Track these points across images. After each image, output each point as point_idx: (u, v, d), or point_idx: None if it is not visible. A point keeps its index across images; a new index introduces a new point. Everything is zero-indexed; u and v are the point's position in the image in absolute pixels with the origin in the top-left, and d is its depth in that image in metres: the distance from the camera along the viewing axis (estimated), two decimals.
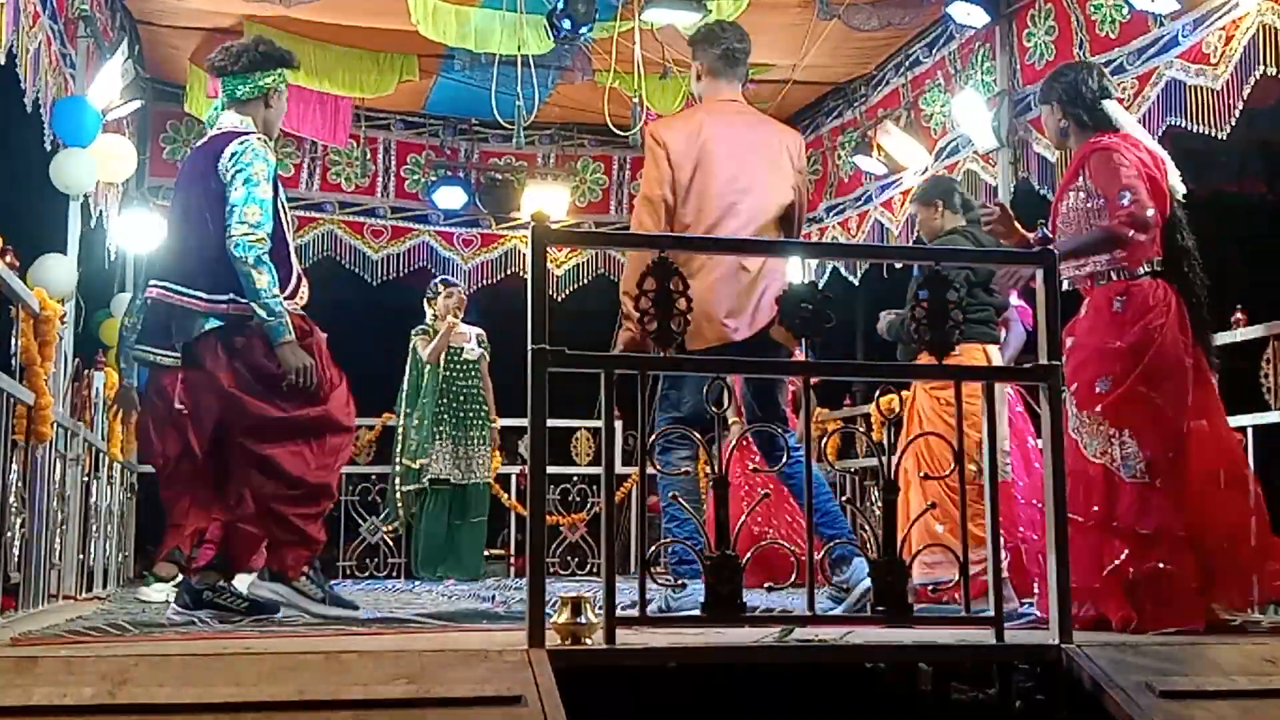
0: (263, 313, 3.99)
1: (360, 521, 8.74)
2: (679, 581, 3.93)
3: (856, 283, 8.78)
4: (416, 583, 7.69)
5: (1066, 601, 3.29)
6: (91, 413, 6.20)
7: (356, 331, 10.33)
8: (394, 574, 8.59)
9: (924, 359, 3.94)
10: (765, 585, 4.82)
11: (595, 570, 8.76)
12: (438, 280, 8.41)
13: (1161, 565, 3.79)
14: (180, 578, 5.62)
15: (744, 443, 5.37)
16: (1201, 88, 5.67)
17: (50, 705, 2.57)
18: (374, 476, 8.79)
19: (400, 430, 8.20)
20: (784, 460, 3.95)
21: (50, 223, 6.22)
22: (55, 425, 5.00)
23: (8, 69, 5.33)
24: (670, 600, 4.01)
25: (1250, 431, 5.05)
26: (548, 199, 9.38)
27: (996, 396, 3.56)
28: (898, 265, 6.28)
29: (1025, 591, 4.71)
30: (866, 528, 4.84)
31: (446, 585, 7.21)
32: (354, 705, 2.66)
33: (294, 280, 4.19)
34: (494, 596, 5.65)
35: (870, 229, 8.46)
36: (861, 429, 7.42)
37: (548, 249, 3.23)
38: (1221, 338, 5.38)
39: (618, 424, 5.85)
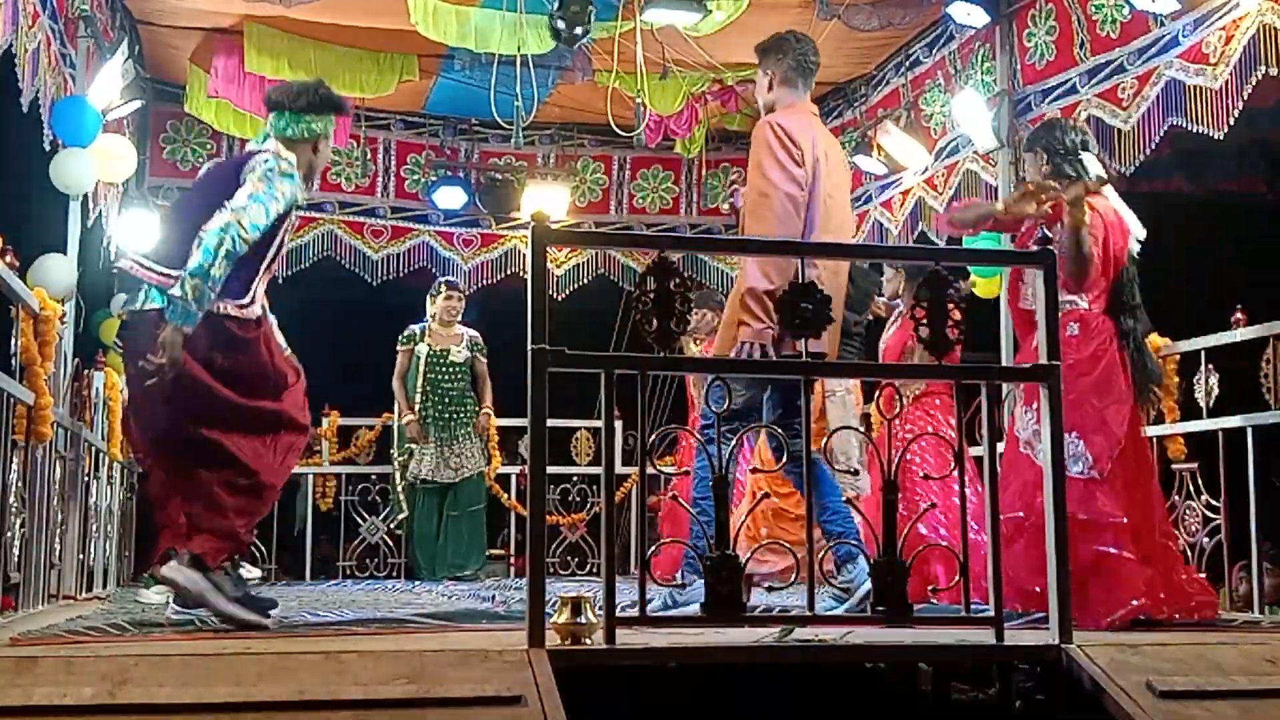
0: (182, 289, 3.76)
1: (360, 521, 8.73)
2: (683, 583, 3.93)
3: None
4: (416, 583, 7.69)
5: (1066, 601, 3.29)
6: (91, 413, 6.19)
7: (356, 331, 10.39)
8: (394, 574, 8.59)
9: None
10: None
11: (595, 570, 8.75)
12: (442, 281, 8.42)
13: (1111, 550, 4.12)
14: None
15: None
16: (1201, 88, 5.67)
17: (50, 705, 2.57)
18: (374, 476, 8.79)
19: (395, 428, 8.25)
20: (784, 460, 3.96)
21: (50, 223, 6.21)
22: (55, 425, 5.00)
23: (8, 69, 5.33)
24: (675, 596, 4.01)
25: (1250, 431, 5.06)
26: (548, 199, 9.37)
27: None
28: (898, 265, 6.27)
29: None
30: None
31: (446, 585, 7.21)
32: (354, 705, 2.66)
33: (251, 293, 4.05)
34: (494, 596, 5.65)
35: (870, 229, 8.46)
36: (861, 429, 7.41)
37: (548, 249, 3.23)
38: (1221, 338, 5.41)
39: (618, 424, 5.84)
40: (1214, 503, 5.37)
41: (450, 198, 9.47)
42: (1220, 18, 5.57)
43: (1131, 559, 4.16)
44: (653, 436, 3.43)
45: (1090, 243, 4.30)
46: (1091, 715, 3.02)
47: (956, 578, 3.40)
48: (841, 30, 7.37)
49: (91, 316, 7.42)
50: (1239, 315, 5.33)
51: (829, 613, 3.62)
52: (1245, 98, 5.43)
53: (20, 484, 4.70)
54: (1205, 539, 5.36)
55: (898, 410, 5.54)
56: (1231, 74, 5.47)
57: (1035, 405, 4.08)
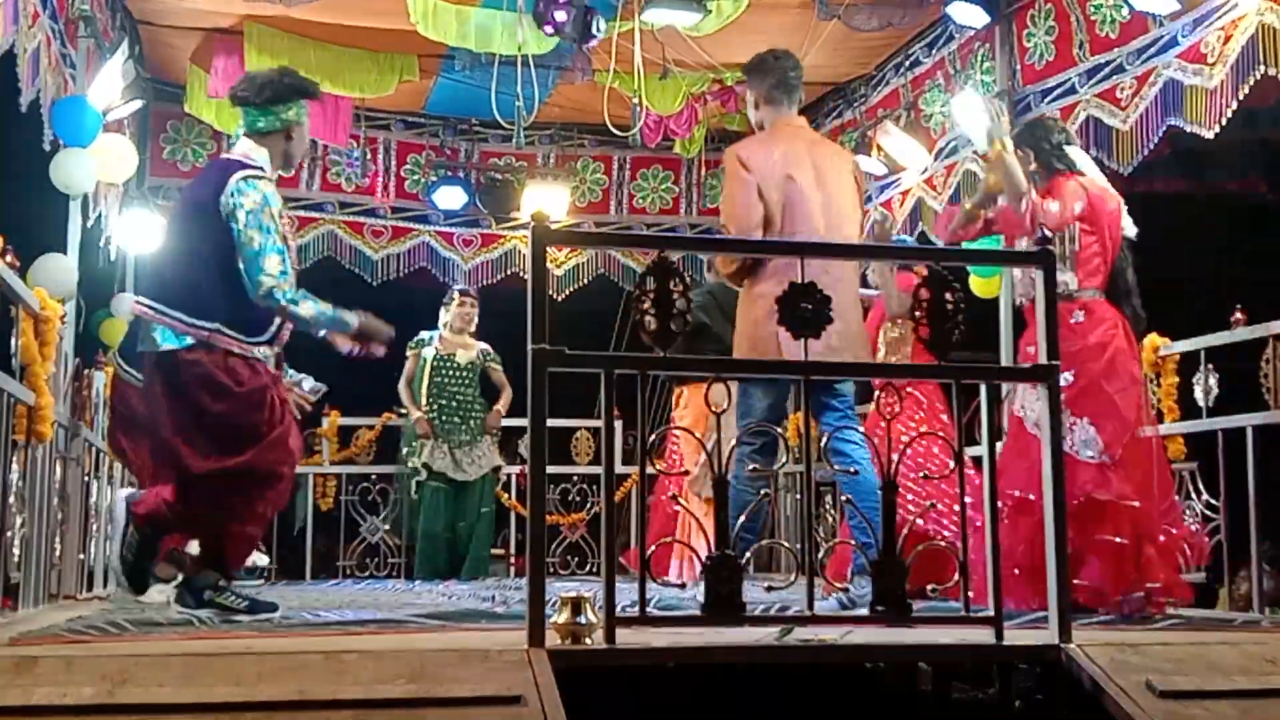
0: (325, 329, 4.16)
1: (360, 521, 8.74)
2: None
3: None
4: (416, 582, 7.69)
5: (1066, 601, 3.29)
6: (91, 413, 6.19)
7: None
8: (394, 574, 8.59)
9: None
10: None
11: (595, 570, 8.76)
12: (456, 289, 8.43)
13: (1116, 540, 4.32)
14: (180, 578, 5.62)
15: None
16: (1200, 88, 5.66)
17: (50, 705, 2.57)
18: (374, 476, 8.80)
19: (405, 427, 8.27)
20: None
21: (50, 223, 6.22)
22: (55, 425, 5.00)
23: (8, 69, 5.33)
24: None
25: (1250, 431, 5.06)
26: (548, 199, 9.37)
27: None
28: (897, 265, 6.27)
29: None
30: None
31: (446, 585, 7.21)
32: (354, 705, 2.66)
33: (275, 324, 4.18)
34: (494, 596, 5.65)
35: (870, 229, 8.44)
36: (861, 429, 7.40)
37: (548, 249, 3.23)
38: (1221, 337, 5.41)
39: (618, 424, 5.84)
40: (1214, 502, 5.37)
41: (450, 198, 9.47)
42: (1219, 18, 5.57)
43: (1128, 549, 4.36)
44: (653, 436, 3.44)
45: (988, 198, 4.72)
46: (1091, 715, 3.02)
47: (955, 578, 3.40)
48: (841, 30, 7.38)
49: (91, 316, 7.41)
50: (1239, 315, 5.33)
51: (829, 613, 3.62)
52: (1240, 98, 5.43)
53: (20, 484, 4.71)
54: (1205, 539, 5.36)
55: (897, 410, 5.54)
56: (1229, 74, 5.47)
57: None
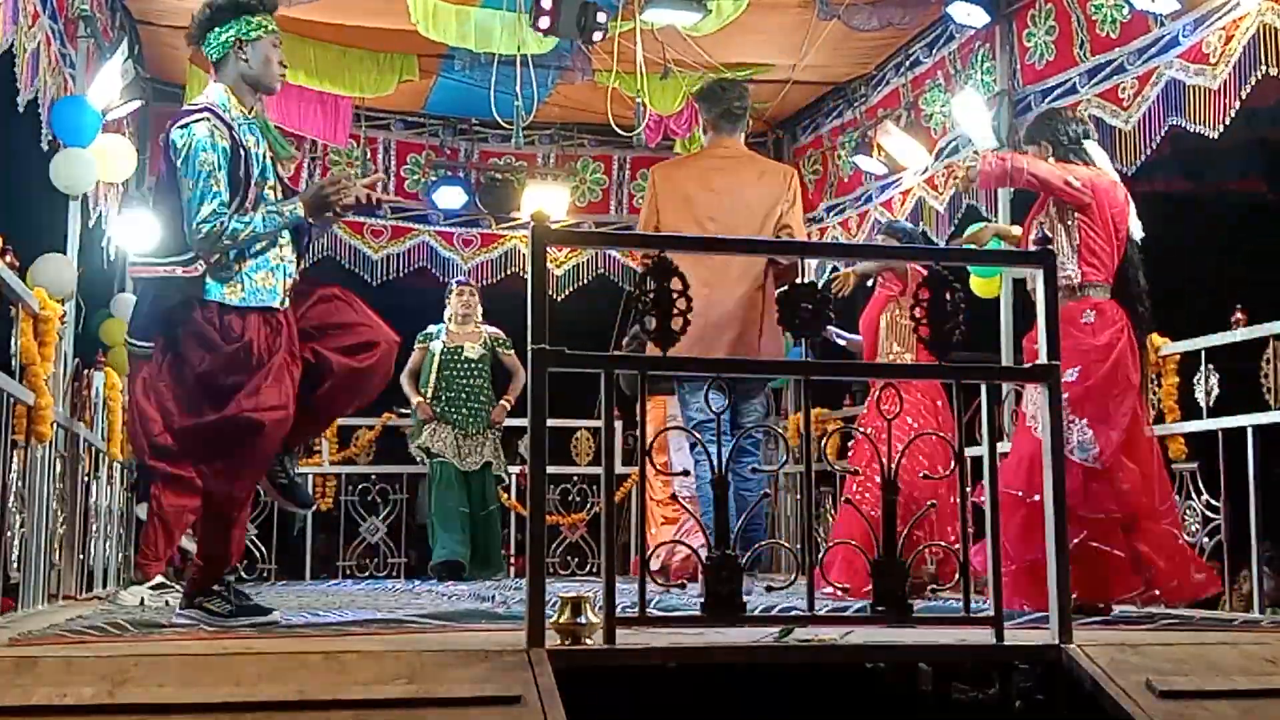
0: (262, 229, 3.89)
1: (360, 521, 8.74)
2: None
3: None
4: (416, 582, 7.68)
5: (1067, 601, 3.29)
6: (91, 413, 6.19)
7: None
8: (394, 574, 8.59)
9: None
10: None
11: (595, 570, 8.76)
12: (454, 281, 8.47)
13: (1095, 545, 4.35)
14: (159, 579, 5.64)
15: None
16: (1201, 88, 5.66)
17: (50, 705, 2.57)
18: (374, 476, 8.79)
19: (412, 418, 8.28)
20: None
21: (50, 223, 6.21)
22: (55, 425, 5.00)
23: (7, 69, 5.33)
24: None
25: (1250, 431, 5.06)
26: (548, 199, 9.36)
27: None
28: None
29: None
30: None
31: (446, 585, 7.21)
32: (354, 705, 2.66)
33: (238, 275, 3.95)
34: (494, 596, 5.65)
35: (870, 229, 8.45)
36: (861, 430, 7.40)
37: (548, 249, 3.23)
38: (1221, 338, 5.41)
39: (618, 424, 5.85)
40: (1214, 502, 5.37)
41: (450, 198, 9.47)
42: (1220, 18, 5.57)
43: (1121, 556, 4.41)
44: (652, 437, 3.44)
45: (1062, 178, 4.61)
46: (1091, 715, 3.02)
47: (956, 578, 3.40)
48: (841, 30, 7.38)
49: (91, 316, 7.41)
50: (1239, 315, 5.33)
51: (829, 613, 3.62)
52: (1243, 97, 5.44)
53: (20, 484, 4.70)
54: (1205, 539, 5.36)
55: (897, 411, 5.54)
56: (1230, 74, 5.47)
57: None
